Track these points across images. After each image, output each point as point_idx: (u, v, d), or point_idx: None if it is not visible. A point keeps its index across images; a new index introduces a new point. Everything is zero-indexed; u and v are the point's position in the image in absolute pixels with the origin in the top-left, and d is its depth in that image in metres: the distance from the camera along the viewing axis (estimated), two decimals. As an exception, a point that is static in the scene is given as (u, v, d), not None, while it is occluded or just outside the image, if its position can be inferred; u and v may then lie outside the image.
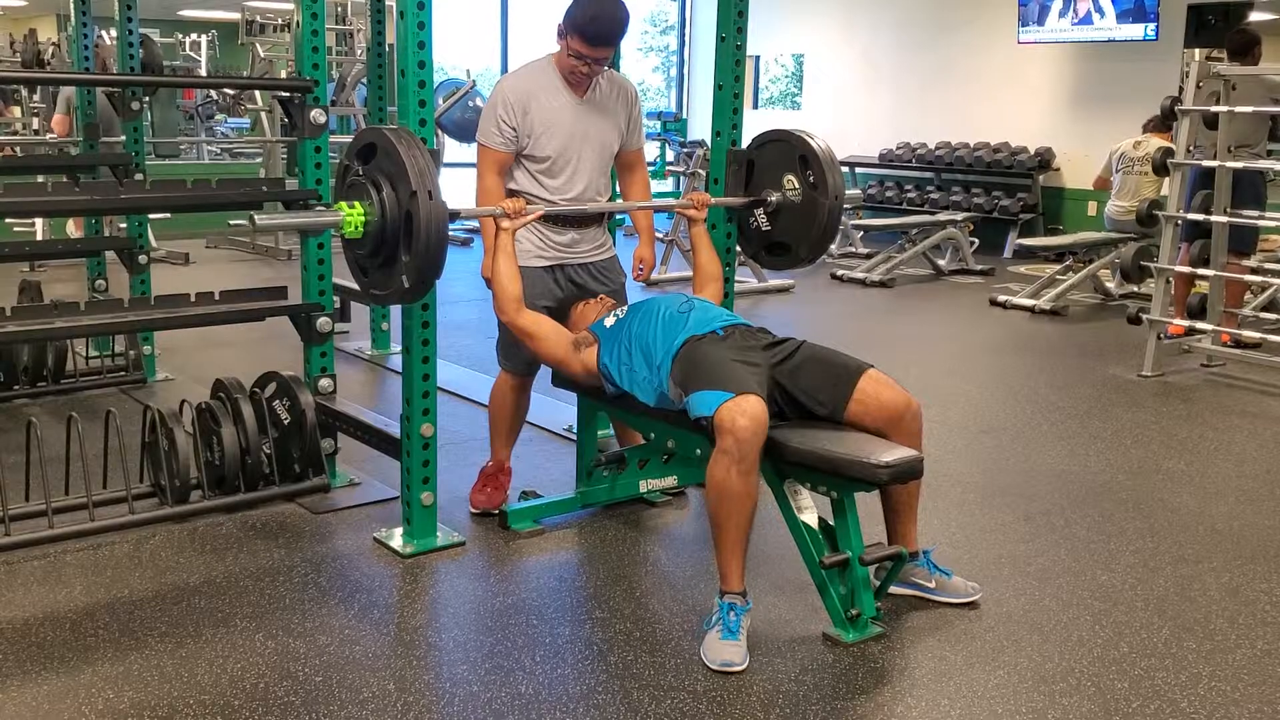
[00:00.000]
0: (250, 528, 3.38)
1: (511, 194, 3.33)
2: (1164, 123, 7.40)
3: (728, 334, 2.97)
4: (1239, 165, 5.49)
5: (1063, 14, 9.47)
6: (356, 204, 2.73)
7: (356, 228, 2.71)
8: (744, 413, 2.62)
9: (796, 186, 3.51)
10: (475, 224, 11.22)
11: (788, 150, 3.53)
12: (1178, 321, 5.75)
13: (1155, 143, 7.29)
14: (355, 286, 6.00)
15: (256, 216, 2.76)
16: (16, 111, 10.59)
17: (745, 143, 3.77)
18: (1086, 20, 9.29)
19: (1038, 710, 2.46)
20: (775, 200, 3.56)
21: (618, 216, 3.71)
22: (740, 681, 2.54)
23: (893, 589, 2.95)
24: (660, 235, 8.26)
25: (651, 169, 7.96)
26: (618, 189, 3.76)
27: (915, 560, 2.98)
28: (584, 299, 3.40)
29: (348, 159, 2.86)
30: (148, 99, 4.98)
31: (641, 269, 3.66)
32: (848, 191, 3.57)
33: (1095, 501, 3.79)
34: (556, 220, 3.37)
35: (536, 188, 3.35)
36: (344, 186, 2.84)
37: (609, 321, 3.17)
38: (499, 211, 3.10)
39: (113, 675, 2.51)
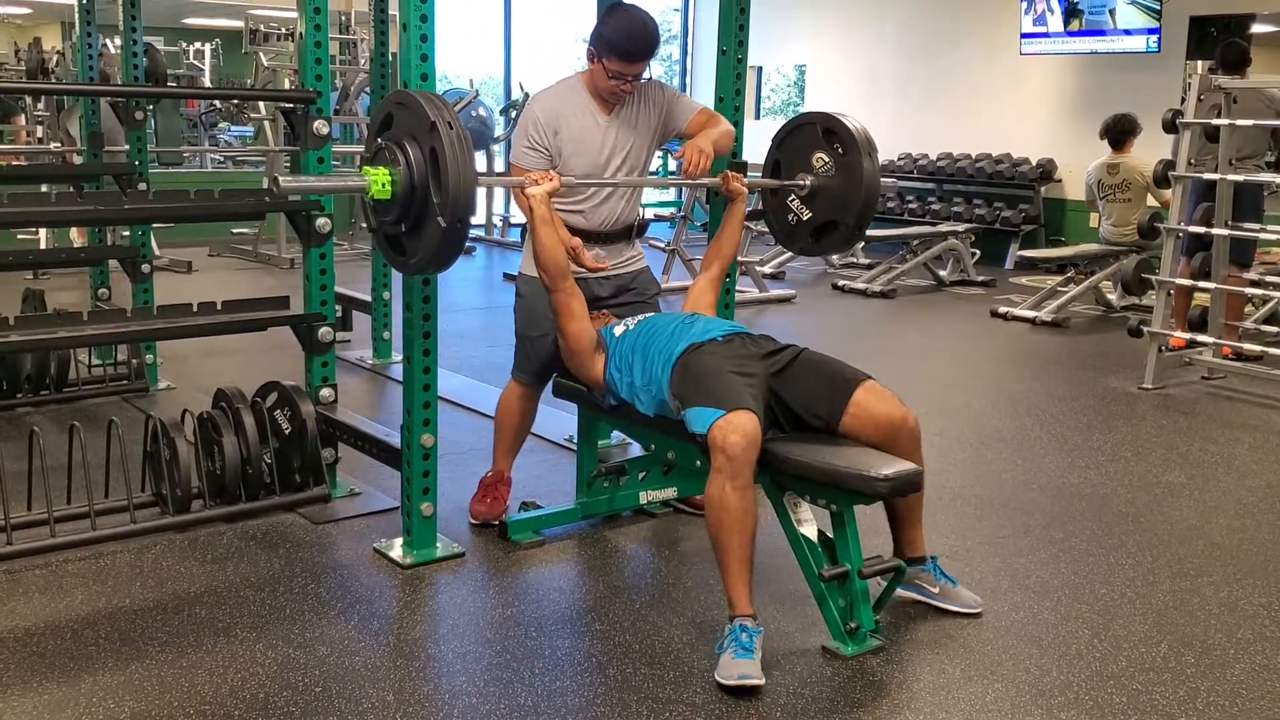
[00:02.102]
0: (251, 537, 3.38)
1: None
2: (1116, 134, 7.30)
3: (728, 340, 2.98)
4: (1240, 178, 5.50)
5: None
6: (381, 167, 2.74)
7: (384, 186, 2.71)
8: (735, 429, 2.62)
9: (828, 160, 3.39)
10: (480, 232, 11.18)
11: (811, 131, 3.44)
12: (1179, 334, 5.76)
13: (1129, 166, 7.21)
14: (357, 295, 6.02)
15: (282, 180, 2.77)
16: (21, 120, 10.61)
17: (746, 154, 3.78)
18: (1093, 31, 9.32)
19: (1036, 724, 2.46)
20: (809, 182, 3.44)
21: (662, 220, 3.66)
22: (747, 693, 2.53)
23: (897, 592, 2.96)
24: (663, 245, 8.28)
25: (654, 177, 7.95)
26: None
27: (921, 564, 2.98)
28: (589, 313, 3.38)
29: (369, 138, 2.89)
30: (151, 107, 5.00)
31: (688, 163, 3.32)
32: (882, 180, 3.41)
33: (1095, 514, 3.79)
34: (584, 235, 3.38)
35: (567, 201, 3.34)
36: (369, 158, 2.86)
37: (618, 330, 3.17)
38: (526, 182, 3.08)
39: (113, 685, 2.52)
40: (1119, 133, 7.27)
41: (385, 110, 2.85)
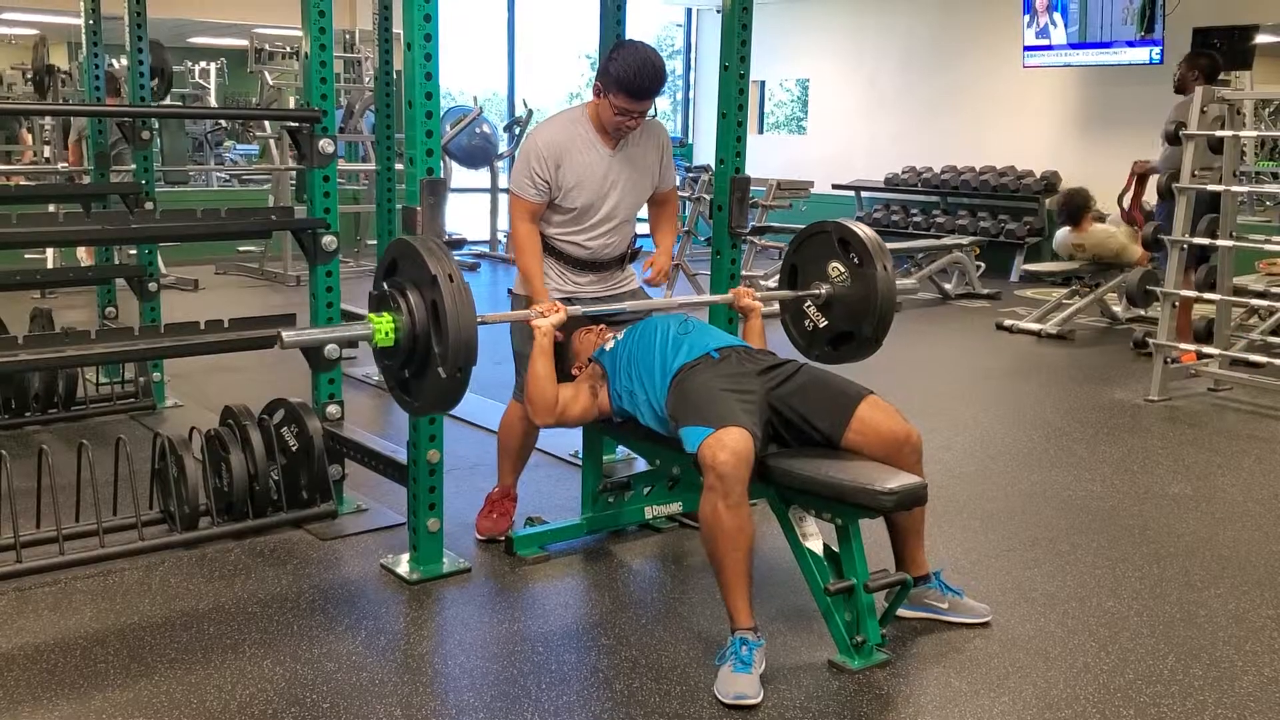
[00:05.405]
0: (258, 554, 3.39)
1: (541, 237, 3.39)
2: (1070, 213, 7.39)
3: (724, 356, 2.97)
4: (1244, 189, 5.50)
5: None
6: (385, 314, 2.76)
7: (387, 334, 2.72)
8: (724, 446, 2.62)
9: (843, 270, 3.37)
10: (484, 248, 11.18)
11: (825, 240, 3.42)
12: (1184, 346, 5.74)
13: (1094, 242, 7.29)
14: (362, 312, 6.03)
15: (285, 334, 2.76)
16: (28, 139, 10.66)
17: (749, 169, 3.79)
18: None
19: (1043, 737, 2.46)
20: (825, 291, 3.41)
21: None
22: (746, 709, 2.54)
23: (906, 612, 2.96)
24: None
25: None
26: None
27: (926, 582, 2.98)
28: (585, 327, 3.40)
29: (375, 281, 2.89)
30: (157, 126, 5.03)
31: (651, 271, 3.60)
32: (900, 282, 3.39)
33: (1101, 527, 3.79)
34: (577, 263, 3.42)
35: (563, 231, 3.39)
36: (374, 304, 2.86)
37: (609, 345, 3.19)
38: (533, 314, 3.10)
39: (122, 702, 2.53)
40: (1073, 210, 7.41)
41: (390, 256, 2.84)
